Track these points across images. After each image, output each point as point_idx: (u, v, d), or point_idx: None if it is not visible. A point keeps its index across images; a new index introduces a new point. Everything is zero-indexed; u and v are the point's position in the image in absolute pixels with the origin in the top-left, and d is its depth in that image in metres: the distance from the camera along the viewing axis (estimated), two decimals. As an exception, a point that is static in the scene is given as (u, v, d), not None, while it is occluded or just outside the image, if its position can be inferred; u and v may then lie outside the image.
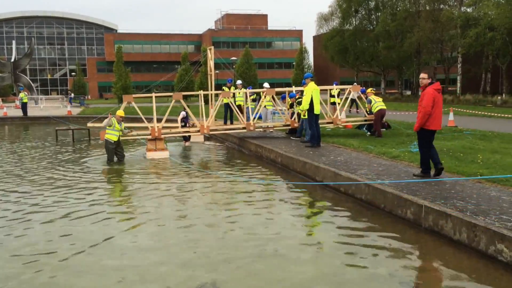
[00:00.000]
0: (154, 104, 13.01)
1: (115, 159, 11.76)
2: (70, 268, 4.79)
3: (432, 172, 7.22)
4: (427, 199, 5.95)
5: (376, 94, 25.40)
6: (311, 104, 11.15)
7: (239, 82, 17.04)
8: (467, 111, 21.70)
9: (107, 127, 11.74)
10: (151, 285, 4.34)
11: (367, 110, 14.08)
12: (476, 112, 20.97)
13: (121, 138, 12.10)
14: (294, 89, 15.17)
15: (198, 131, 13.35)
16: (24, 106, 29.99)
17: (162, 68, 73.17)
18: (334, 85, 19.19)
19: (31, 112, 30.97)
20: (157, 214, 6.80)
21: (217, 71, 18.00)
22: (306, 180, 8.97)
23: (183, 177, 9.79)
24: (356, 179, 7.33)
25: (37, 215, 6.83)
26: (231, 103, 14.88)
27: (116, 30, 78.52)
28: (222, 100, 14.73)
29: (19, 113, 31.14)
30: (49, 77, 77.65)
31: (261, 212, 6.86)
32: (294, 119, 13.76)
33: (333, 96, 18.04)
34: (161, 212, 6.93)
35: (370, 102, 13.76)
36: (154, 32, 76.10)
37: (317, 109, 11.27)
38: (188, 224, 6.31)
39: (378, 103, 13.46)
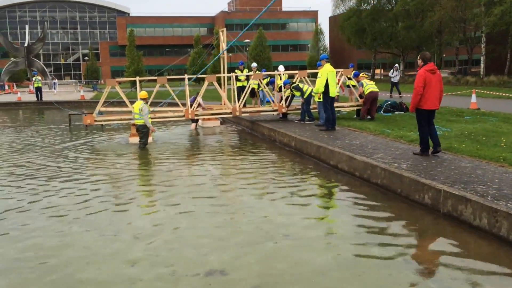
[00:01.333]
0: (138, 88, 12.82)
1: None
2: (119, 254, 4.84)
3: (431, 151, 7.63)
4: (446, 183, 5.80)
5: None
6: (327, 86, 10.97)
7: (254, 65, 16.86)
8: (491, 93, 21.10)
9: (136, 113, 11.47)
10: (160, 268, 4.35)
11: (359, 93, 14.05)
12: (501, 94, 20.36)
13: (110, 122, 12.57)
14: (282, 72, 15.03)
15: (230, 113, 13.49)
16: (38, 90, 30.32)
17: (174, 51, 73.16)
18: (350, 67, 18.88)
19: (43, 97, 31.29)
20: (173, 198, 6.82)
21: (230, 54, 17.83)
22: (320, 164, 8.87)
23: (198, 160, 9.79)
24: (371, 163, 7.20)
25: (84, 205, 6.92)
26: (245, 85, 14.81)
27: (129, 14, 78.59)
28: (249, 84, 14.56)
29: (33, 98, 31.59)
30: (62, 61, 78.46)
31: (273, 196, 6.80)
32: (283, 104, 13.76)
33: (350, 79, 17.78)
34: (173, 192, 6.94)
35: (362, 85, 13.74)
36: (166, 15, 75.93)
37: (332, 92, 11.08)
38: (194, 208, 6.29)
39: (369, 85, 13.42)
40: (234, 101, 14.63)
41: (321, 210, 6.31)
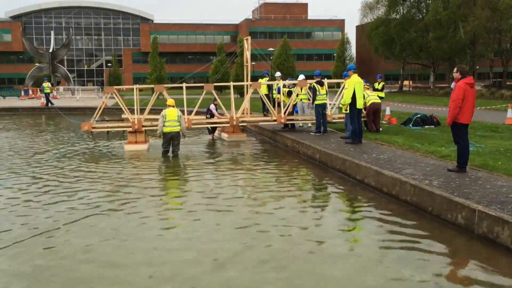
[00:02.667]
0: (136, 96, 13.18)
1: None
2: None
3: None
4: (481, 203, 5.62)
5: (424, 88, 24.51)
6: (354, 98, 10.88)
7: (278, 74, 16.90)
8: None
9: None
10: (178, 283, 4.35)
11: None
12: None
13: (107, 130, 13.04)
14: (280, 83, 15.00)
15: (275, 120, 13.73)
16: (47, 97, 31.11)
17: (197, 59, 74.15)
18: (378, 78, 18.68)
19: (66, 102, 32.14)
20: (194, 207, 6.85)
21: (253, 63, 17.96)
22: (345, 179, 8.76)
23: (221, 171, 9.84)
24: (400, 179, 7.06)
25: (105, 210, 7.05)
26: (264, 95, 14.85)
27: (152, 21, 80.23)
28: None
29: (56, 103, 32.47)
30: (85, 68, 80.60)
31: (295, 211, 6.74)
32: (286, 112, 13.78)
33: (377, 90, 17.60)
34: (194, 202, 6.97)
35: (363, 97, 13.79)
36: (189, 22, 77.19)
37: (359, 104, 10.99)
38: (218, 220, 6.29)
39: (371, 97, 13.50)
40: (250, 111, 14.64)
41: (347, 228, 6.20)
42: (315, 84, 13.06)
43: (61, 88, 55.47)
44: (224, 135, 14.75)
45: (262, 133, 15.69)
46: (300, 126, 15.12)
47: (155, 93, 13.46)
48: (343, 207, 7.13)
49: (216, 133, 15.61)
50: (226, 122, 13.74)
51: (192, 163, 10.89)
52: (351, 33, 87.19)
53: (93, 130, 13.14)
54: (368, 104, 13.27)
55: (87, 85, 72.12)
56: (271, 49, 48.00)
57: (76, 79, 70.98)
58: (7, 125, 21.06)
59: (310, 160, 10.80)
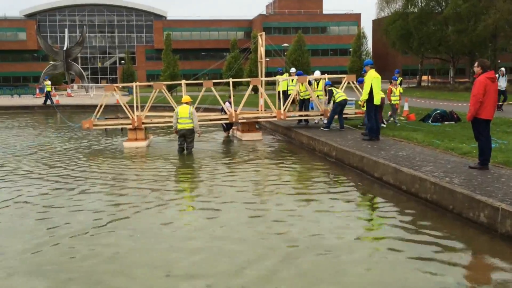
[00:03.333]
0: (136, 94, 13.45)
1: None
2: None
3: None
4: (504, 201, 5.52)
5: (443, 83, 24.12)
6: (371, 93, 10.78)
7: (293, 70, 16.84)
8: (552, 103, 20.05)
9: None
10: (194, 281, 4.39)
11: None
12: None
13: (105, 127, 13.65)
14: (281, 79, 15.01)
15: (275, 117, 13.83)
16: (47, 95, 31.12)
17: (210, 55, 74.37)
18: (396, 73, 18.47)
19: (80, 100, 32.58)
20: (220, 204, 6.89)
21: (267, 59, 17.93)
22: (363, 176, 8.69)
23: (238, 168, 9.88)
24: (420, 176, 6.98)
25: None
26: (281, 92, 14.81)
27: (165, 17, 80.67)
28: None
29: (71, 101, 33.00)
30: (99, 65, 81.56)
31: (312, 210, 6.73)
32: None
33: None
34: (213, 199, 7.01)
35: None
36: (203, 19, 77.44)
37: (377, 100, 10.88)
38: (233, 217, 6.32)
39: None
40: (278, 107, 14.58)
41: (365, 226, 6.16)
42: (332, 88, 13.24)
43: (75, 86, 56.29)
44: (239, 134, 14.73)
45: (277, 130, 15.67)
46: (315, 122, 15.07)
47: (154, 90, 13.82)
48: (361, 206, 7.08)
49: (231, 131, 15.62)
50: (225, 119, 13.80)
51: (206, 161, 10.94)
52: (367, 28, 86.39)
53: (94, 128, 13.44)
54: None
55: (101, 83, 73.00)
56: (285, 44, 47.82)
57: (90, 76, 71.86)
58: (25, 122, 21.46)
59: (327, 157, 10.75)
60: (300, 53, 51.67)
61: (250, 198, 7.37)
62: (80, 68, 51.71)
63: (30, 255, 5.05)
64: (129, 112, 13.42)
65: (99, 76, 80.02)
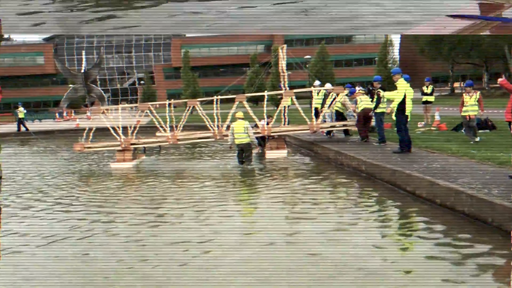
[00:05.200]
0: (168, 113, 14.30)
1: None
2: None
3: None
4: (547, 212, 5.47)
5: (478, 89, 24.12)
6: (403, 104, 10.77)
7: (317, 82, 17.00)
8: None
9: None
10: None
11: (354, 110, 14.37)
12: None
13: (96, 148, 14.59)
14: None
15: (307, 129, 14.04)
16: (20, 122, 30.02)
17: (230, 71, 75.34)
18: (426, 81, 18.40)
19: (99, 123, 33.35)
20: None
21: (289, 72, 18.18)
22: (395, 190, 8.69)
23: (266, 184, 10.03)
24: (457, 189, 6.95)
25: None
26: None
27: (185, 35, 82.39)
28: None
29: (90, 124, 33.85)
30: (118, 86, 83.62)
31: (345, 226, 6.78)
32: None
33: (426, 94, 17.32)
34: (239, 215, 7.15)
35: (356, 103, 13.98)
36: (221, 34, 78.73)
37: (409, 111, 10.88)
38: (262, 235, 6.43)
39: (364, 102, 13.47)
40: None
41: (400, 242, 6.18)
42: (380, 91, 12.75)
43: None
44: (266, 150, 14.70)
45: (302, 145, 15.77)
46: (332, 135, 15.37)
47: (188, 107, 14.43)
48: (394, 221, 7.09)
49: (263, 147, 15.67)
50: (257, 133, 13.93)
51: (231, 176, 11.14)
52: (394, 35, 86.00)
53: (85, 150, 13.99)
54: (360, 110, 13.52)
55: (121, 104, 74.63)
56: (307, 56, 48.15)
57: (111, 98, 73.46)
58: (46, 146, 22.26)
59: (356, 172, 10.78)
60: (323, 65, 51.89)
61: (280, 216, 7.47)
62: (101, 91, 53.26)
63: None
64: (118, 134, 14.43)
65: (119, 98, 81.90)
